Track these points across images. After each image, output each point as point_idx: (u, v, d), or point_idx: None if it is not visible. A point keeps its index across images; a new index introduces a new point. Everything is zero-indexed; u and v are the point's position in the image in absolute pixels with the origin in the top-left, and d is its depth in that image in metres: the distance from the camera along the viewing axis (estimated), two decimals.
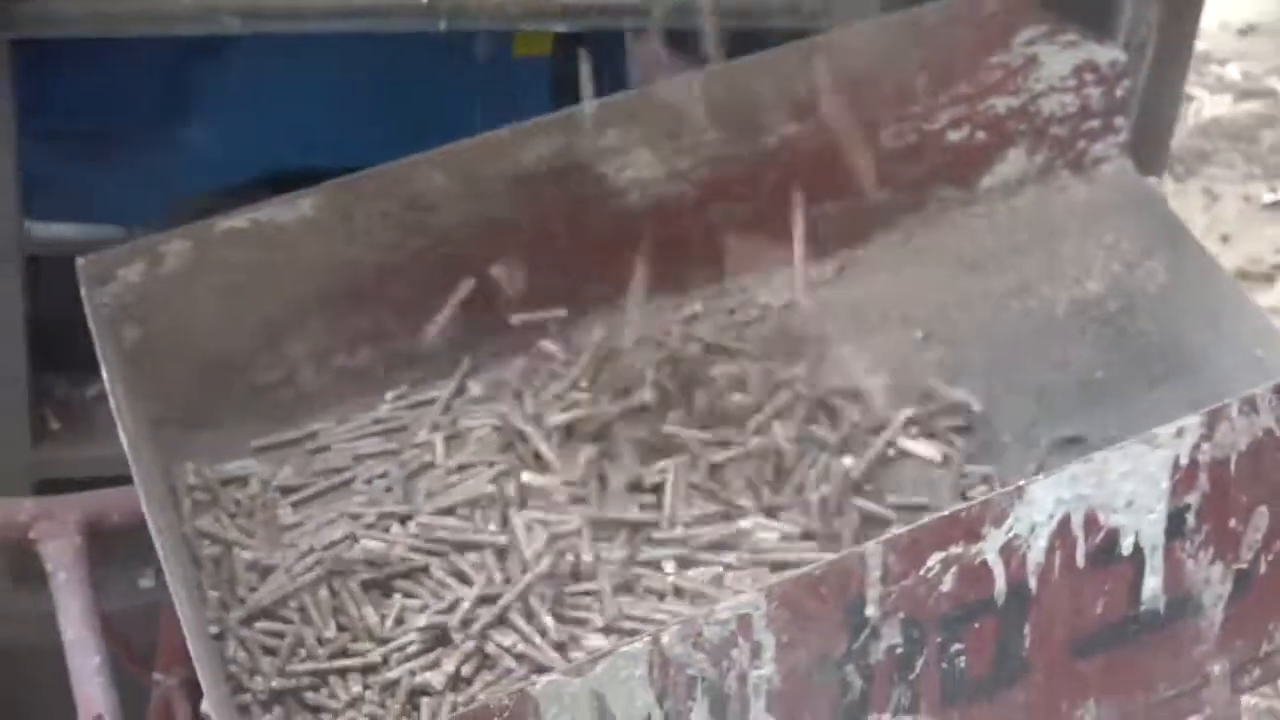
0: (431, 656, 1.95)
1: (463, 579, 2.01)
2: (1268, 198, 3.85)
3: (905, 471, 2.15)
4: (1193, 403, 2.09)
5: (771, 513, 2.08)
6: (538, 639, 1.94)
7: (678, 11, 2.36)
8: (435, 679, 1.91)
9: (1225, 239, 3.75)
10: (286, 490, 2.14)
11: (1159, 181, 2.51)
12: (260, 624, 2.00)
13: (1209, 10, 4.00)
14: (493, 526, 2.06)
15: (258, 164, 2.58)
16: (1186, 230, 2.39)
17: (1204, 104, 4.08)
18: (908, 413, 2.17)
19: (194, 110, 2.64)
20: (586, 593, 1.99)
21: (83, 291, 2.12)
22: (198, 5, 2.36)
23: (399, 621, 1.98)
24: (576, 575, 2.01)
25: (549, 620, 1.95)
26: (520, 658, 1.94)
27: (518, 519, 2.06)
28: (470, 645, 1.94)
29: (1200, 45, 4.10)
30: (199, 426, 2.18)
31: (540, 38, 2.62)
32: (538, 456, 2.13)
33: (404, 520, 2.08)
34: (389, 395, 2.23)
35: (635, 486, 2.11)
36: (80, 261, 2.14)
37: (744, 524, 2.06)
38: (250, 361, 2.20)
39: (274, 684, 1.94)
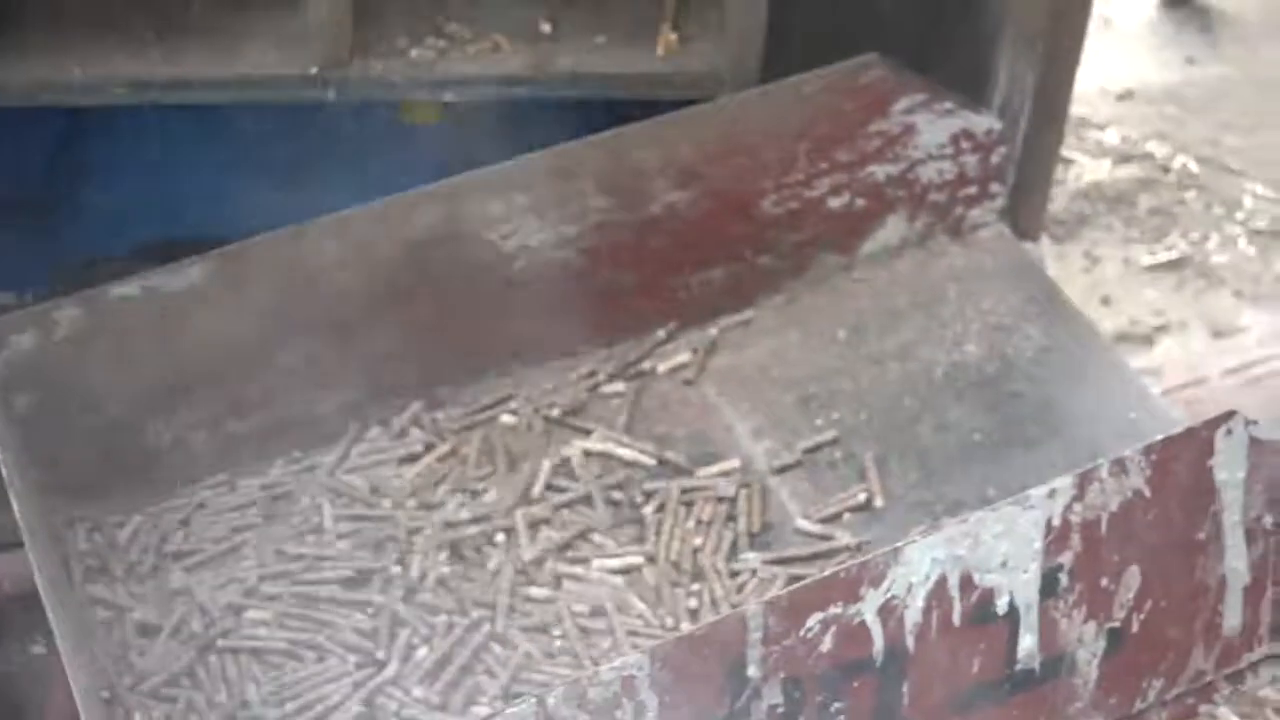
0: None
1: (351, 643, 2.03)
2: (1147, 260, 3.91)
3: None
4: (1068, 464, 2.13)
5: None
6: (428, 701, 1.97)
7: (561, 81, 2.41)
8: None
9: (1106, 301, 3.80)
10: (178, 555, 2.15)
11: (1036, 246, 2.56)
12: (152, 689, 2.01)
13: (1088, 76, 4.08)
14: (377, 597, 2.08)
15: (149, 231, 2.59)
16: (1063, 294, 2.44)
17: (1084, 168, 4.13)
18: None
19: (85, 177, 2.65)
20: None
21: None
22: (88, 76, 2.37)
23: (291, 685, 2.00)
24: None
25: (436, 686, 1.98)
26: None
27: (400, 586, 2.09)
28: (359, 708, 1.96)
29: (1079, 110, 4.18)
30: (91, 492, 2.19)
31: (428, 106, 2.64)
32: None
33: (292, 587, 2.10)
34: (279, 460, 2.25)
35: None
36: None
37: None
38: (142, 427, 2.21)
39: None
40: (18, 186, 2.64)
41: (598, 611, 2.08)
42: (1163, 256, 3.95)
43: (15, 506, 1.97)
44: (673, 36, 2.45)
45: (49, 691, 2.23)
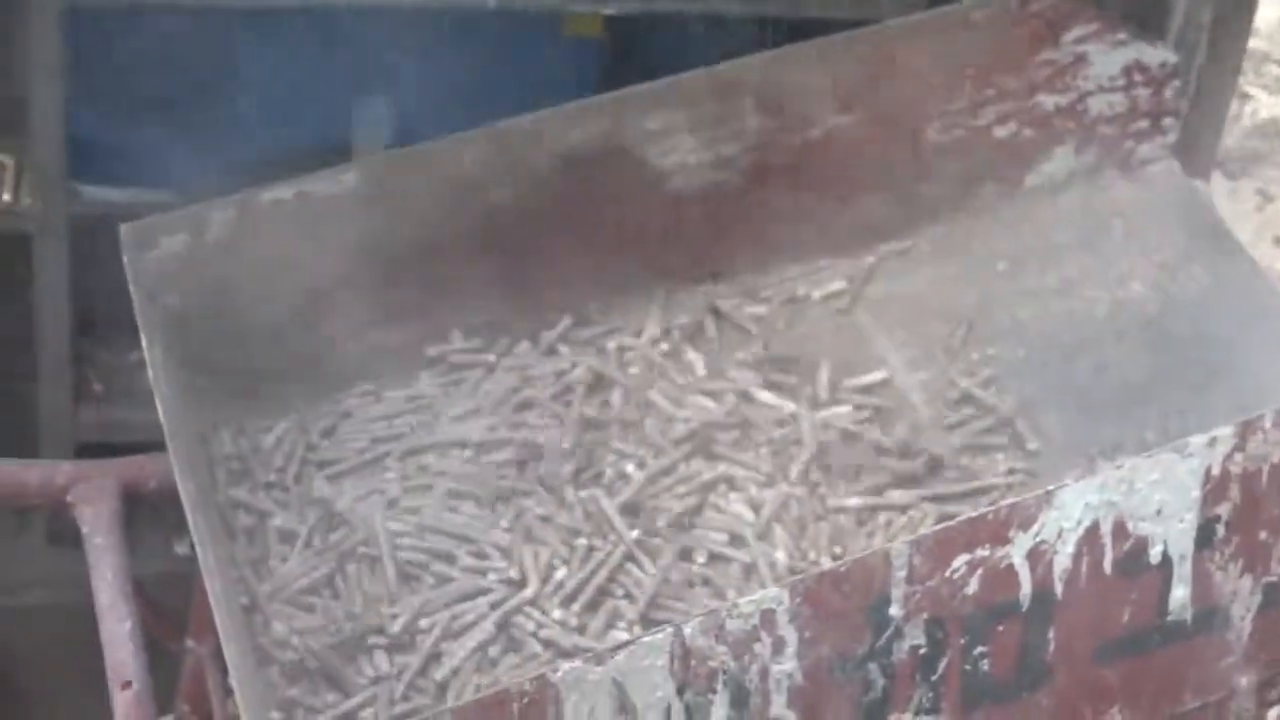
0: (458, 639, 1.95)
1: (489, 561, 2.02)
2: None
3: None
4: (1231, 411, 2.08)
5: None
6: (566, 624, 1.95)
7: None
8: (459, 658, 1.92)
9: (1278, 241, 3.73)
10: (322, 463, 2.15)
11: (1206, 184, 2.50)
12: (290, 597, 2.01)
13: (1269, 9, 3.98)
14: (518, 517, 2.07)
15: (307, 136, 2.58)
16: (1231, 234, 2.37)
17: (1260, 104, 4.05)
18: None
19: (245, 80, 2.65)
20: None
21: (124, 258, 2.12)
22: None
23: (427, 602, 1.99)
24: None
25: (575, 608, 1.96)
26: (547, 643, 1.94)
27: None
28: (493, 628, 1.95)
29: (1259, 44, 4.09)
30: (236, 396, 2.19)
31: (590, 18, 2.61)
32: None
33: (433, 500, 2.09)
34: (424, 373, 2.23)
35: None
36: (123, 228, 2.14)
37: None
38: (290, 333, 2.20)
39: (302, 658, 1.95)
40: (174, 86, 2.64)
41: (738, 541, 2.05)
42: None
43: (160, 408, 1.97)
44: None
45: (193, 593, 2.24)
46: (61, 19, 2.34)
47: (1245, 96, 4.02)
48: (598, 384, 2.21)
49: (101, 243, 2.27)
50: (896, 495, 2.11)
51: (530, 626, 1.96)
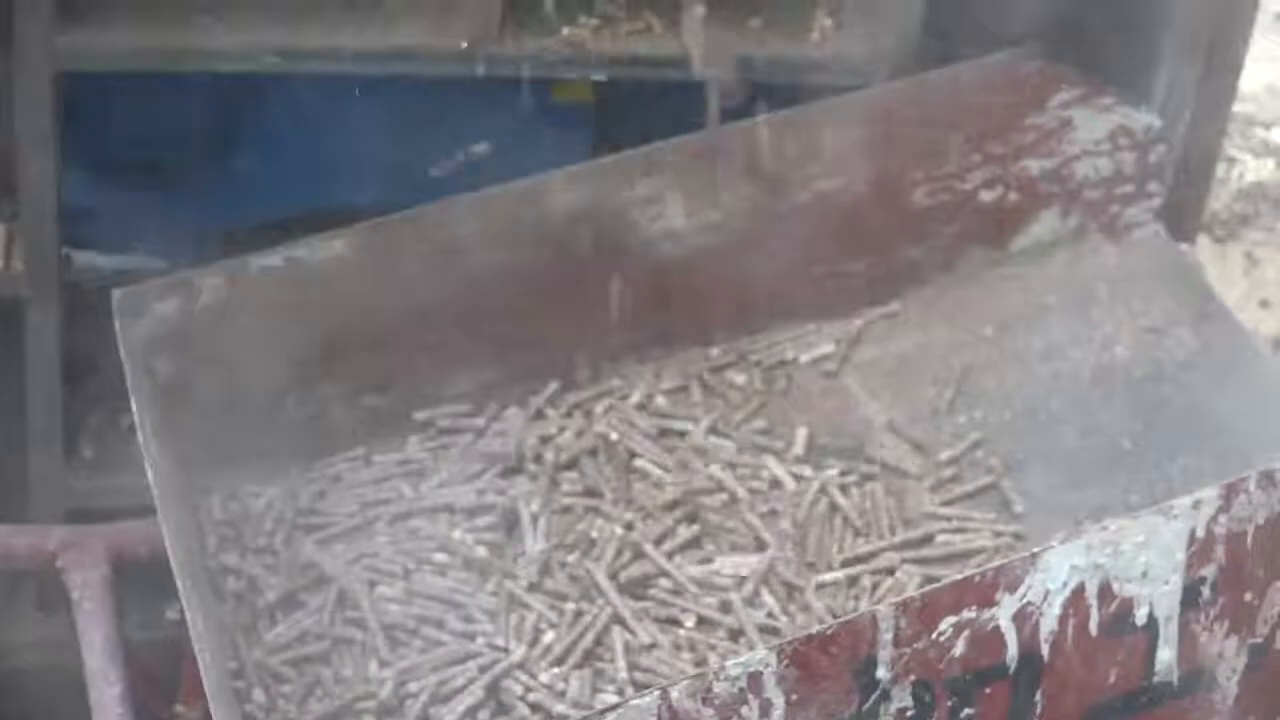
0: (447, 704, 1.95)
1: (477, 625, 2.02)
2: None
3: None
4: (1217, 474, 2.09)
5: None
6: (554, 687, 1.95)
7: (714, 65, 2.38)
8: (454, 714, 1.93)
9: (1265, 304, 3.73)
10: (311, 528, 2.15)
11: (1193, 247, 2.51)
12: (279, 662, 2.01)
13: (1254, 74, 4.00)
14: (506, 581, 2.07)
15: (296, 202, 2.59)
16: (1218, 298, 2.38)
17: (1247, 168, 4.06)
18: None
19: (236, 147, 2.66)
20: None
21: (116, 324, 2.13)
22: (240, 44, 2.38)
23: (415, 666, 1.99)
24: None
25: (563, 672, 1.96)
26: (535, 707, 1.94)
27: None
28: (482, 692, 1.95)
29: (1245, 109, 4.11)
30: (226, 461, 2.19)
31: (580, 85, 2.62)
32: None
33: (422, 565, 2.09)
34: (414, 437, 2.24)
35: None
36: (115, 294, 2.16)
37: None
38: (280, 398, 2.21)
39: None
40: (164, 152, 2.65)
41: (725, 606, 2.05)
42: None
43: (150, 473, 1.98)
44: (828, 22, 2.42)
45: (183, 658, 2.24)
46: (53, 86, 2.35)
47: (1232, 160, 4.04)
48: (585, 449, 2.21)
49: (92, 308, 2.28)
50: (883, 559, 2.11)
51: (518, 690, 1.96)
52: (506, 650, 1.99)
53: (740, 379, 2.30)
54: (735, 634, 2.03)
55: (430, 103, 2.57)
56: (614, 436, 2.22)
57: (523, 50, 2.40)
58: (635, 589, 2.06)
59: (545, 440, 2.22)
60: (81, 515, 2.44)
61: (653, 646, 2.01)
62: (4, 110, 2.37)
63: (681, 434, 2.24)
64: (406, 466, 2.21)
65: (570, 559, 2.09)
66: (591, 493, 2.17)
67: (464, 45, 2.37)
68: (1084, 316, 2.37)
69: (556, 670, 1.98)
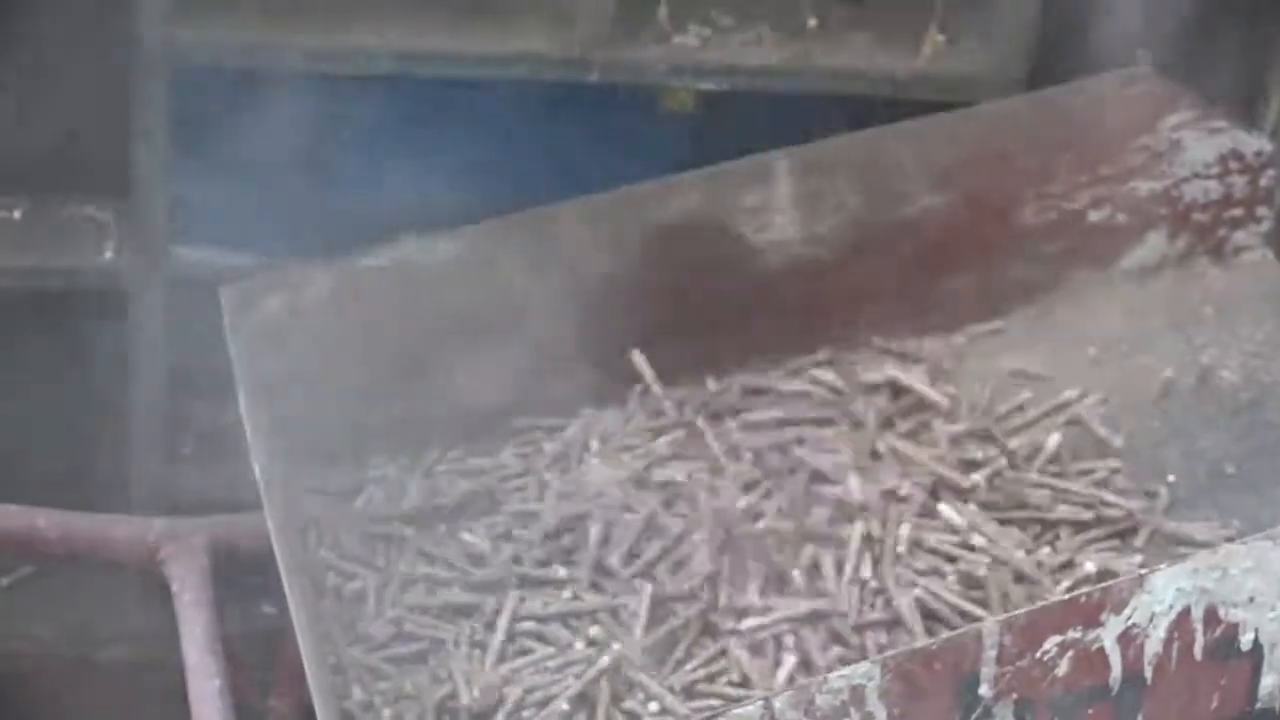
0: (543, 707, 1.96)
1: (574, 630, 2.03)
2: None
3: None
4: None
5: None
6: (665, 699, 1.95)
7: (823, 77, 2.38)
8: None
9: None
10: (412, 527, 2.16)
11: None
12: (377, 659, 2.02)
13: None
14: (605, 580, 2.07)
15: (403, 204, 2.60)
16: None
17: None
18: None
19: (346, 147, 2.68)
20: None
21: (224, 319, 2.15)
22: (354, 45, 2.40)
23: (513, 670, 1.99)
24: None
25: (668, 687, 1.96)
26: (630, 714, 1.94)
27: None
28: (576, 696, 1.95)
29: None
30: (329, 458, 2.21)
31: (685, 93, 2.63)
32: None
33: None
34: (511, 441, 2.25)
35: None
36: (223, 290, 2.17)
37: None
38: (382, 397, 2.22)
39: None
40: (279, 154, 2.67)
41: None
42: None
43: (255, 468, 1.99)
44: (939, 38, 2.43)
45: (279, 653, 2.25)
46: (169, 84, 2.37)
47: None
48: (684, 451, 2.21)
49: (196, 304, 2.29)
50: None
51: (614, 695, 1.96)
52: (604, 652, 1.99)
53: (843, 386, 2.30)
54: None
55: (540, 108, 2.58)
56: (715, 446, 2.22)
57: (633, 58, 2.41)
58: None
59: (649, 440, 2.22)
60: (181, 511, 2.45)
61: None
62: (121, 106, 2.40)
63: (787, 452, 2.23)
64: (504, 470, 2.21)
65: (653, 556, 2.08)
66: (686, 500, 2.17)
67: (578, 52, 2.38)
68: (1189, 339, 2.35)
69: (660, 673, 1.97)
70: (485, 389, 2.25)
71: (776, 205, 2.29)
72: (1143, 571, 1.73)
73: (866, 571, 2.04)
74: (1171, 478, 2.18)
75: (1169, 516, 2.14)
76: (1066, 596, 1.73)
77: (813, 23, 2.44)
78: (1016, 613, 1.71)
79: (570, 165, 2.55)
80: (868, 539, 2.09)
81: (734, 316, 2.31)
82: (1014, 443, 2.22)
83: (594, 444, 2.23)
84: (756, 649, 1.98)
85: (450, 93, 2.52)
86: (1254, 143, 2.39)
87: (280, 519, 1.97)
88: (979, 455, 2.21)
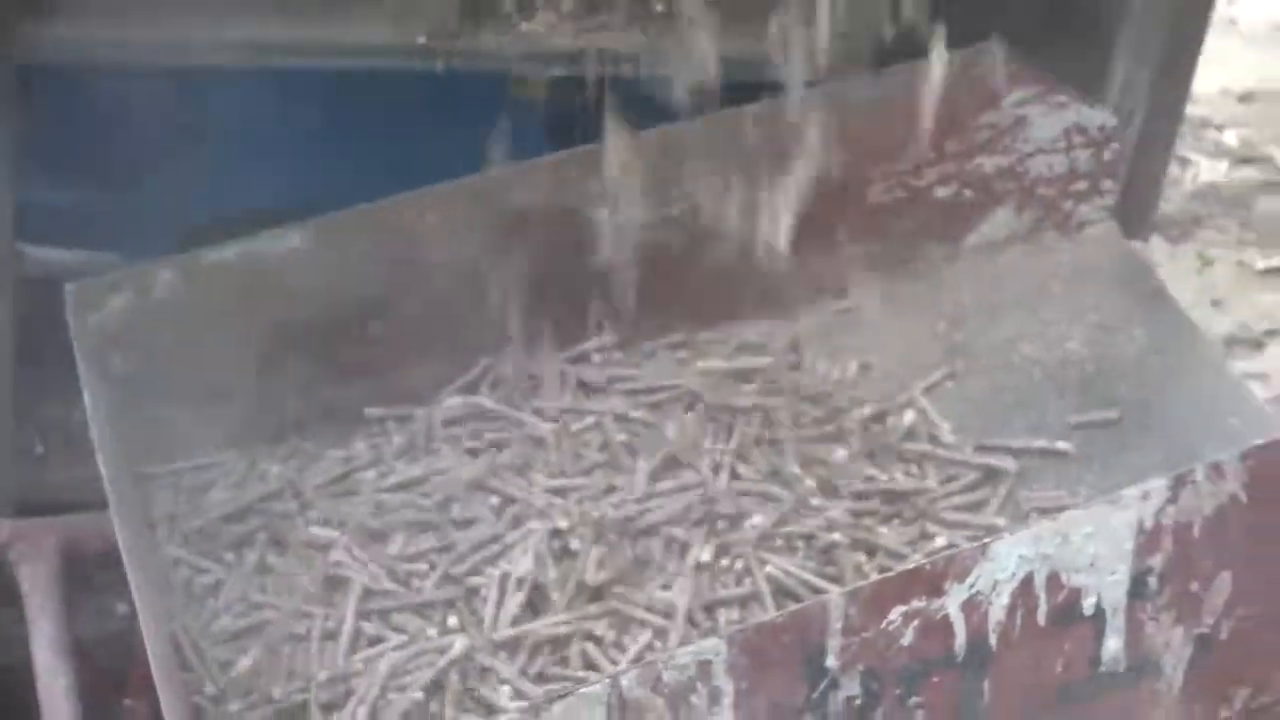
0: (397, 693, 1.95)
1: (427, 616, 2.03)
2: (1261, 264, 3.86)
3: None
4: (1166, 468, 2.09)
5: None
6: (518, 683, 1.95)
7: (671, 61, 2.38)
8: (398, 713, 1.92)
9: (1217, 304, 3.76)
10: (263, 521, 2.15)
11: (1146, 245, 2.52)
12: (228, 653, 2.01)
13: (1209, 76, 4.02)
14: (451, 567, 2.07)
15: (252, 199, 2.59)
16: (1170, 296, 2.39)
17: (1200, 169, 4.09)
18: None
19: (193, 143, 2.66)
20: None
21: (69, 318, 2.13)
22: (202, 38, 2.38)
23: (365, 657, 1.99)
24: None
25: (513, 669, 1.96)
26: (480, 701, 1.94)
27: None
28: (430, 682, 1.95)
29: (1200, 110, 4.13)
30: (179, 454, 2.20)
31: (536, 81, 2.63)
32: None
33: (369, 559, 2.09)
34: (363, 430, 2.24)
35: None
36: (68, 288, 2.16)
37: None
38: (233, 392, 2.21)
39: (238, 716, 1.95)
40: (119, 148, 2.65)
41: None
42: (1277, 261, 3.89)
43: (102, 466, 1.97)
44: (786, 18, 2.42)
45: (133, 653, 2.23)
46: (12, 78, 2.35)
47: (1186, 162, 4.07)
48: (534, 439, 2.22)
49: (45, 303, 2.27)
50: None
51: (468, 681, 1.96)
52: (456, 641, 1.99)
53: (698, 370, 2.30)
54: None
55: (388, 99, 2.57)
56: (565, 432, 2.22)
57: (479, 46, 2.40)
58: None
59: (498, 430, 2.22)
60: (31, 510, 2.43)
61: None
62: None
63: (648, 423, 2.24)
64: (354, 462, 2.21)
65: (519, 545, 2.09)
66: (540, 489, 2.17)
67: (422, 41, 2.37)
68: (1037, 313, 2.38)
69: (511, 658, 1.97)
70: (335, 380, 2.24)
71: (626, 190, 2.29)
72: (985, 540, 1.74)
73: (708, 556, 2.05)
74: (1019, 448, 2.20)
75: (1017, 487, 2.16)
76: (910, 566, 1.74)
77: (660, 7, 2.44)
78: (861, 584, 1.72)
79: (422, 156, 2.53)
80: (720, 520, 2.10)
81: (585, 302, 2.31)
82: (867, 419, 2.24)
83: (444, 433, 2.23)
84: (604, 634, 1.99)
85: (296, 85, 2.50)
86: (1098, 117, 2.42)
87: (126, 516, 1.95)
88: (832, 432, 2.23)
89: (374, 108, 2.59)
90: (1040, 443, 2.21)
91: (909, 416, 2.26)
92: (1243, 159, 4.14)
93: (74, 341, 2.13)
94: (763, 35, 2.44)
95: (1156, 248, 3.75)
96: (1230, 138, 4.18)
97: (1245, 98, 4.29)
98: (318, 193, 2.44)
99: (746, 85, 2.44)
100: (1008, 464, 2.17)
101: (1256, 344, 3.66)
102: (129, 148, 2.65)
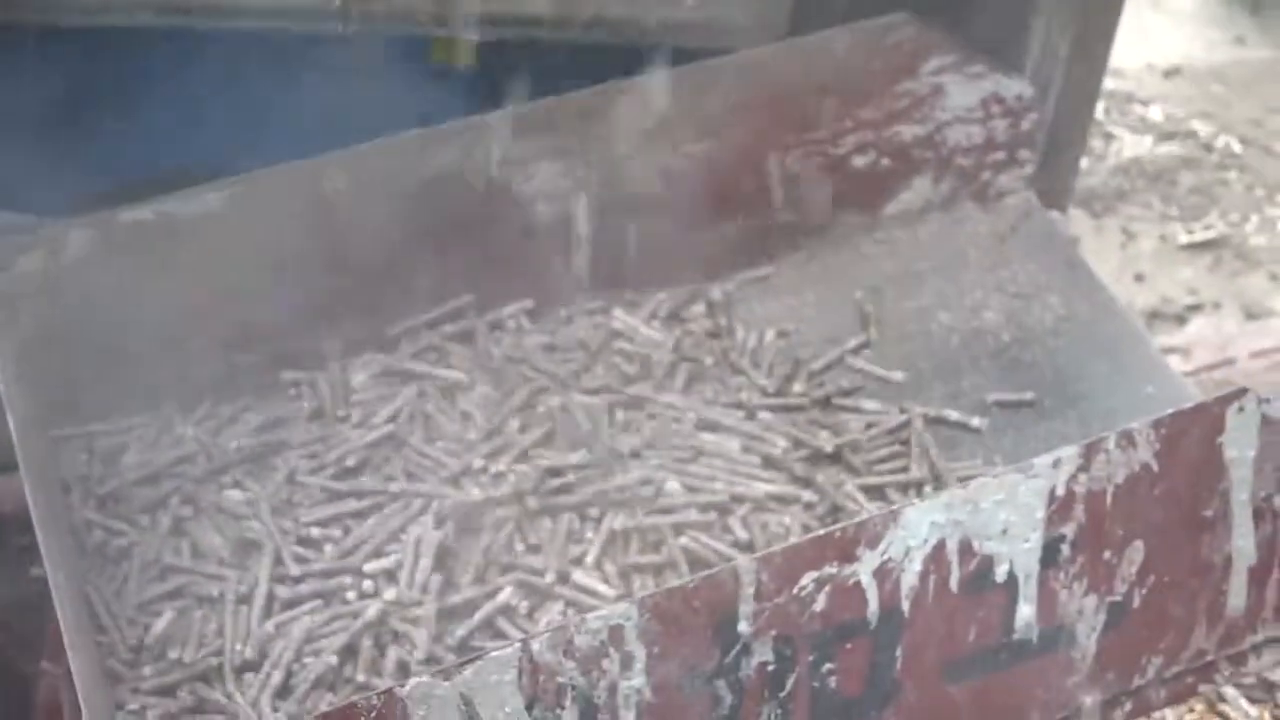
0: (312, 656, 1.94)
1: (347, 577, 2.02)
2: (1184, 238, 3.88)
3: None
4: (1081, 436, 2.10)
5: None
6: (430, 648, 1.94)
7: (591, 26, 2.38)
8: (313, 674, 1.92)
9: (1139, 278, 3.77)
10: (175, 483, 2.13)
11: (1063, 216, 2.52)
12: (143, 617, 2.00)
13: (1134, 51, 4.04)
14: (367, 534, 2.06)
15: (169, 160, 2.57)
16: (1087, 265, 2.40)
17: (1124, 144, 4.10)
18: None
19: (109, 103, 2.63)
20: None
21: None
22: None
23: (280, 620, 1.98)
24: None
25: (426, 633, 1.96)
26: (398, 663, 1.94)
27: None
28: (347, 641, 1.94)
29: (1124, 85, 4.15)
30: (91, 416, 2.18)
31: (463, 48, 2.61)
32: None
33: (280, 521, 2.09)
34: (281, 392, 2.23)
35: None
36: None
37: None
38: (146, 352, 2.19)
39: (152, 679, 1.94)
40: (39, 108, 2.62)
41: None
42: (1200, 236, 3.91)
43: (12, 427, 1.96)
44: None
45: (47, 615, 2.21)
46: None
47: (1110, 136, 4.08)
48: (443, 407, 2.21)
49: None
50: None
51: (382, 641, 1.95)
52: (370, 606, 1.98)
53: (613, 335, 2.30)
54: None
55: (306, 60, 2.55)
56: (483, 390, 2.22)
57: (393, 7, 2.39)
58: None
59: (415, 388, 2.21)
60: None
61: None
62: None
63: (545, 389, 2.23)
64: (273, 421, 2.19)
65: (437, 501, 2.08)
66: (466, 449, 2.16)
67: (337, 2, 2.36)
68: (955, 282, 2.38)
69: (423, 623, 1.96)
70: (250, 343, 2.22)
71: (542, 156, 2.28)
72: (894, 507, 1.74)
73: (620, 524, 2.05)
74: (934, 417, 2.21)
75: (936, 455, 2.16)
76: (821, 532, 1.73)
77: None
78: (773, 550, 1.72)
79: (340, 119, 2.52)
80: (635, 488, 2.10)
81: (501, 268, 2.30)
82: (783, 386, 2.24)
83: (358, 396, 2.21)
84: (516, 603, 1.99)
85: (215, 46, 2.49)
86: (1015, 86, 2.42)
87: (37, 478, 1.94)
88: (753, 400, 2.22)
89: (296, 69, 2.57)
90: (955, 415, 2.21)
91: (826, 383, 2.26)
92: (1167, 134, 4.16)
93: None
94: (680, 1, 2.44)
95: (1080, 222, 3.77)
96: (1155, 113, 4.20)
97: (1170, 73, 4.30)
98: (234, 154, 2.43)
99: (662, 51, 2.44)
100: (924, 431, 2.18)
101: (1179, 319, 3.68)
102: (44, 107, 2.62)
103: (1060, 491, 1.79)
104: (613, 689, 1.68)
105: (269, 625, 1.97)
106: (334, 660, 1.93)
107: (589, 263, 2.32)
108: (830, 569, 1.72)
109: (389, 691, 1.61)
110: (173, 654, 1.97)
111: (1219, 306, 3.72)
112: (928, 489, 2.12)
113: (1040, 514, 1.79)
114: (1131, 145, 4.11)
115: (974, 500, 1.76)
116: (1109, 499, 1.81)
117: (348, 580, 2.02)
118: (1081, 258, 2.43)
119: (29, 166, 2.59)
